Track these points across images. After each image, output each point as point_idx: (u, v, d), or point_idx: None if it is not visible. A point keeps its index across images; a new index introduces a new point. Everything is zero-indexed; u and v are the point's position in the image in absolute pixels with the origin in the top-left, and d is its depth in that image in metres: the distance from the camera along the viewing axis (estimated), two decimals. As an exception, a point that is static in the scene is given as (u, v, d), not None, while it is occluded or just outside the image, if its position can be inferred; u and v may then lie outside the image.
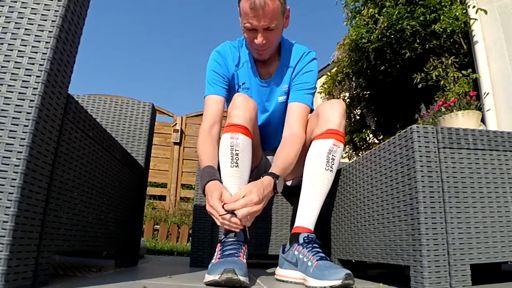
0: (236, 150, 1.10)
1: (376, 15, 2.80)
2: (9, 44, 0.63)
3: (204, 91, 1.32)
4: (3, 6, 0.64)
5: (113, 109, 1.48)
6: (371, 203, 1.05)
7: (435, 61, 2.61)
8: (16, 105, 0.61)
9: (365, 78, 3.32)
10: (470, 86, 2.45)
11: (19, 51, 0.63)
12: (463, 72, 2.52)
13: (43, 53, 0.64)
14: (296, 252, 1.00)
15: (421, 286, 0.80)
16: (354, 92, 3.55)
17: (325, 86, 3.81)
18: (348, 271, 0.84)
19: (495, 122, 2.52)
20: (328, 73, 3.86)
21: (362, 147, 3.57)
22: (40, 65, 0.63)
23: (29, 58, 0.63)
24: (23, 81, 0.62)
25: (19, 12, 0.65)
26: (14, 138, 0.59)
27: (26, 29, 0.64)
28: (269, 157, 1.48)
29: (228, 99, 1.32)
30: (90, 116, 0.83)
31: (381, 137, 3.43)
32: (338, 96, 3.65)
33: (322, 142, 1.14)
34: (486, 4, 2.58)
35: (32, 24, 0.65)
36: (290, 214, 1.48)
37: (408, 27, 2.54)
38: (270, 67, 1.35)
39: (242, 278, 0.83)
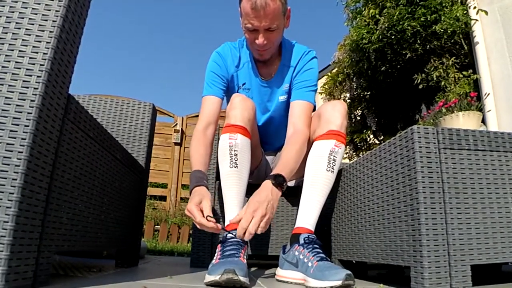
0: (235, 151, 1.10)
1: (377, 16, 2.79)
2: (9, 44, 0.63)
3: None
4: (3, 6, 0.65)
5: (114, 109, 1.48)
6: (371, 204, 1.05)
7: (436, 61, 2.61)
8: (17, 105, 0.61)
9: (365, 79, 3.32)
10: (470, 87, 2.45)
11: (20, 51, 0.63)
12: (464, 72, 2.52)
13: (44, 53, 0.64)
14: (296, 253, 1.00)
15: (421, 287, 0.80)
16: (354, 93, 3.54)
17: (326, 86, 3.80)
18: (349, 272, 0.84)
19: (495, 123, 2.52)
20: (329, 74, 3.85)
21: (363, 148, 3.57)
22: (41, 65, 0.63)
23: (30, 58, 0.63)
24: (23, 81, 0.62)
25: (20, 12, 0.65)
26: (15, 138, 0.59)
27: (27, 29, 0.64)
28: (269, 158, 1.48)
29: (227, 100, 1.32)
30: (90, 116, 0.83)
31: (382, 137, 3.42)
32: (339, 97, 3.65)
33: (323, 143, 1.14)
34: (487, 5, 2.58)
35: (33, 24, 0.65)
36: (291, 215, 1.47)
37: (409, 27, 2.54)
38: (271, 67, 1.35)
39: (242, 279, 0.83)
